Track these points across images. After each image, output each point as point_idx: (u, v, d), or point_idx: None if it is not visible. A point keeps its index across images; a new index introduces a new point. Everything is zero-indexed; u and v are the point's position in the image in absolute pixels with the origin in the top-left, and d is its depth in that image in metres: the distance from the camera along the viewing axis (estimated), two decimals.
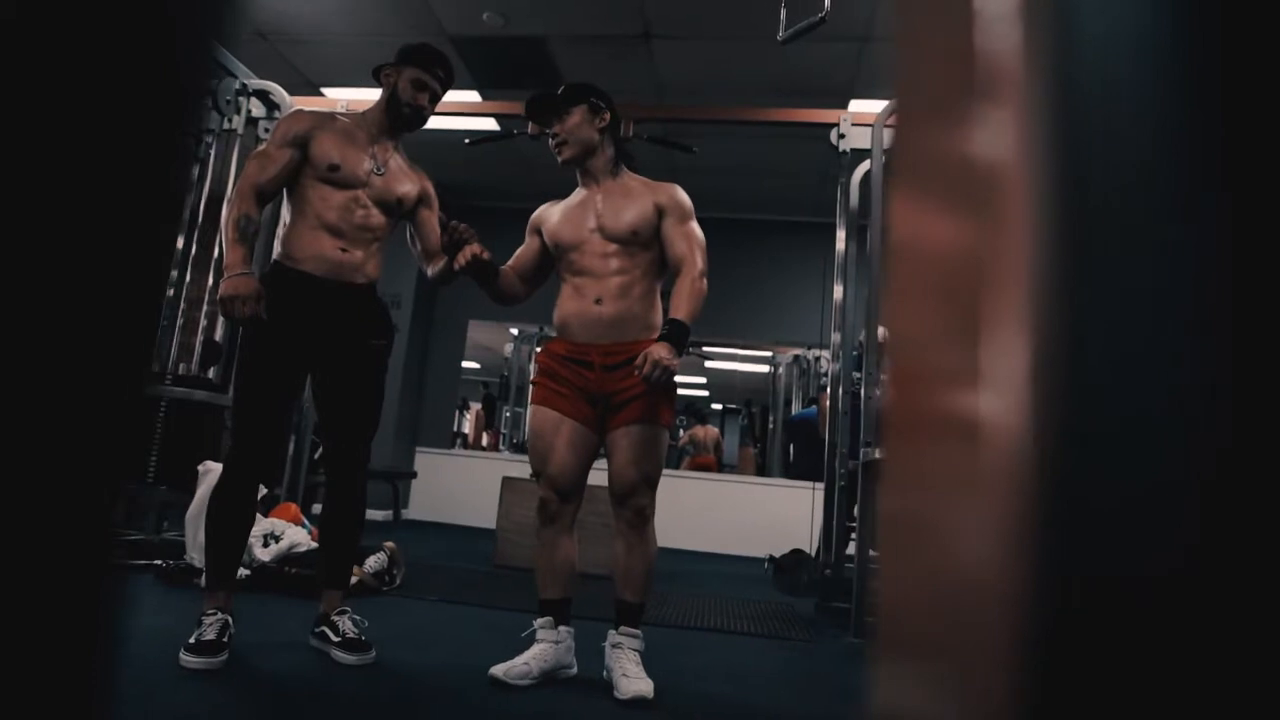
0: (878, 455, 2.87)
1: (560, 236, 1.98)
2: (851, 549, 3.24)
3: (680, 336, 1.80)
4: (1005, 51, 0.21)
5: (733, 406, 11.38)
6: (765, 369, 8.79)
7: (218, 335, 3.53)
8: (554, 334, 2.06)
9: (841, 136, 3.61)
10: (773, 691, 2.07)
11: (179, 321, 3.53)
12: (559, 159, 2.02)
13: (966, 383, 0.20)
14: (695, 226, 1.96)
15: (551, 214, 2.04)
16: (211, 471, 2.80)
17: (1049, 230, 0.18)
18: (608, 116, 2.01)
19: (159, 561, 2.80)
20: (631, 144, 2.14)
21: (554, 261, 2.05)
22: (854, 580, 2.87)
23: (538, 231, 2.07)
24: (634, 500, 1.87)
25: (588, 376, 1.91)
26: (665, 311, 1.91)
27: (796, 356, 7.64)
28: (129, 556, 2.94)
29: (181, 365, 3.49)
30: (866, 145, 3.46)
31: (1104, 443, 0.18)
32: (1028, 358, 0.18)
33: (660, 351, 1.74)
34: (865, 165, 3.60)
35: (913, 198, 0.25)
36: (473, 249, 1.85)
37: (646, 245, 1.94)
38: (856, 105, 4.68)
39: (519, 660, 1.84)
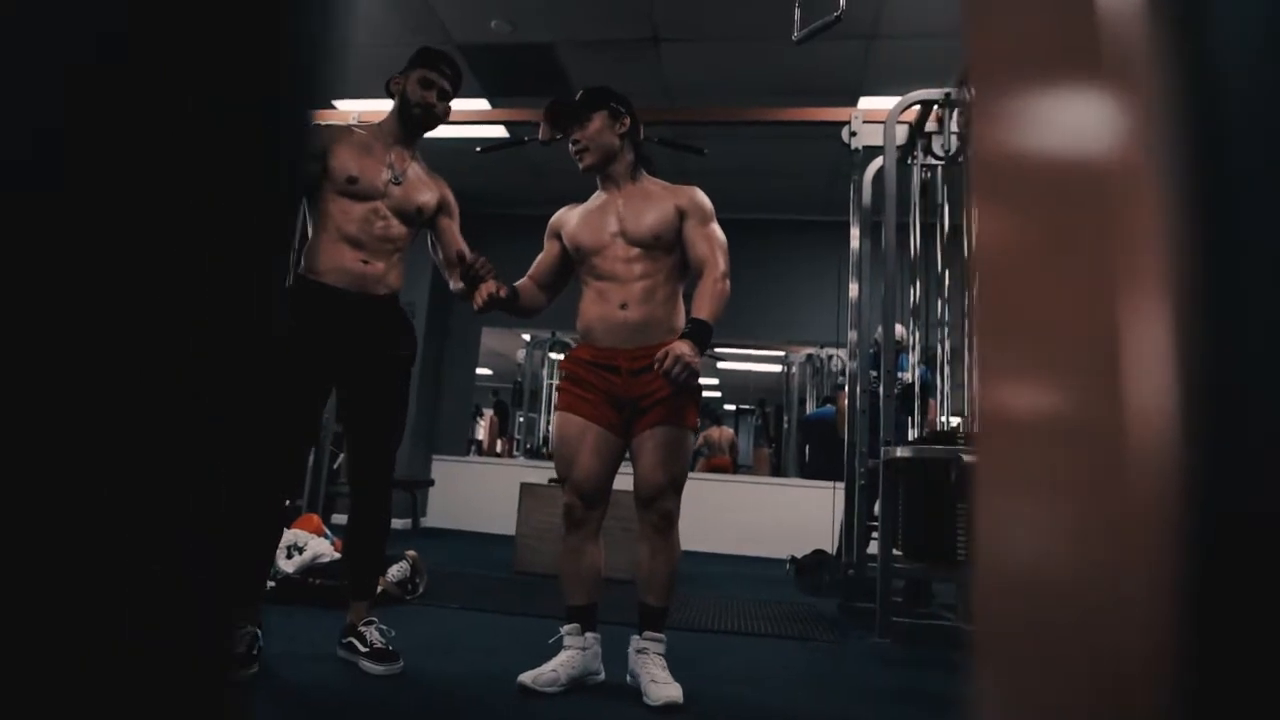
0: (899, 454, 2.85)
1: (580, 240, 1.97)
2: (873, 548, 3.23)
3: (703, 335, 1.78)
4: (1123, 31, 0.20)
5: (746, 407, 11.35)
6: (778, 369, 8.76)
7: None
8: (564, 338, 2.08)
9: (853, 134, 3.60)
10: (800, 694, 2.06)
11: None
12: (580, 166, 2.01)
13: (1095, 383, 0.19)
14: (716, 228, 1.96)
15: (570, 218, 2.04)
16: None
17: (1188, 225, 0.18)
18: (628, 121, 2.00)
19: None
20: (645, 147, 2.14)
21: (574, 265, 2.04)
22: (877, 580, 2.85)
23: (557, 236, 2.06)
24: (660, 504, 1.87)
25: (614, 381, 1.90)
26: (688, 314, 1.90)
27: (809, 356, 7.61)
28: None
29: None
30: (878, 142, 3.44)
31: (1253, 440, 0.17)
32: (1169, 355, 0.17)
33: (682, 348, 1.72)
34: (878, 162, 3.58)
35: (1009, 194, 0.25)
36: (488, 288, 1.87)
37: (669, 249, 1.94)
38: (866, 102, 4.67)
39: (547, 667, 1.84)
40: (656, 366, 1.73)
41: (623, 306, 1.91)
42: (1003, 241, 0.25)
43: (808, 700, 2.00)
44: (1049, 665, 0.22)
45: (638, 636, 1.91)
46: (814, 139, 4.99)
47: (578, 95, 2.02)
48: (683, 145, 3.69)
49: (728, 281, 1.88)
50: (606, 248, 1.94)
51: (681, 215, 1.93)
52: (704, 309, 1.82)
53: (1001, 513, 0.22)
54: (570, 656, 1.87)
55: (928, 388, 3.56)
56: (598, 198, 2.04)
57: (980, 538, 0.24)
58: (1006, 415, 0.23)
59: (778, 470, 7.77)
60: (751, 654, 2.49)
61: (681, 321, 1.94)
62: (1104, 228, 0.20)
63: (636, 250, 1.92)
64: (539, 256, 2.11)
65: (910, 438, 3.51)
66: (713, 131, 4.93)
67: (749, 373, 10.18)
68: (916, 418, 3.63)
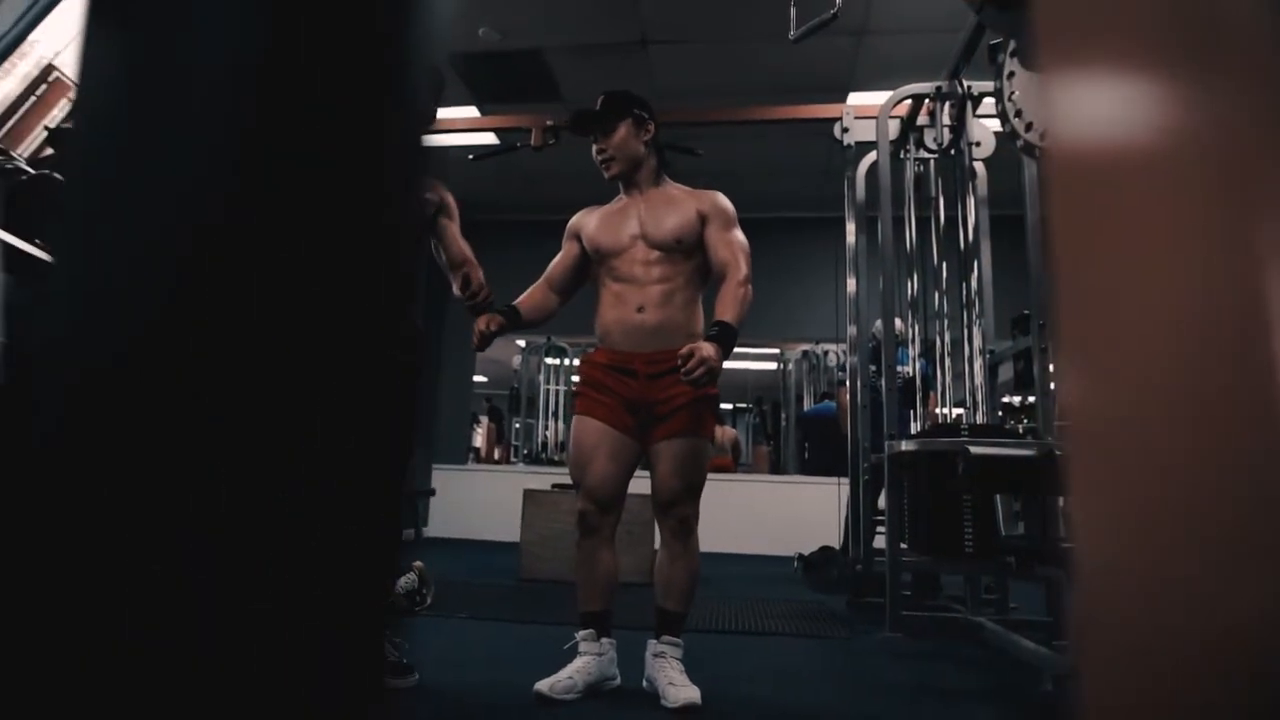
0: (903, 448, 2.85)
1: (600, 242, 1.97)
2: (879, 542, 3.23)
3: (728, 338, 1.78)
4: None
5: (743, 405, 11.35)
6: (773, 366, 8.76)
7: None
8: (560, 343, 2.08)
9: (845, 130, 3.61)
10: (815, 691, 2.05)
11: None
12: (606, 175, 2.01)
13: (1235, 375, 0.19)
14: (739, 233, 1.95)
15: (590, 220, 2.03)
16: None
17: None
18: (652, 127, 2.00)
19: None
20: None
21: (592, 267, 2.03)
22: (886, 575, 2.85)
23: (576, 237, 2.05)
24: (678, 509, 1.86)
25: (631, 385, 1.90)
26: (707, 319, 1.89)
27: (805, 352, 7.61)
28: None
29: None
30: (870, 138, 3.45)
31: None
32: None
33: (708, 350, 1.70)
34: (871, 157, 3.59)
35: (1101, 183, 0.24)
36: (480, 326, 1.88)
37: (689, 253, 1.93)
38: (855, 98, 4.68)
39: (563, 674, 1.83)
40: (680, 363, 1.71)
41: (640, 310, 1.90)
42: (1102, 231, 0.24)
43: (823, 697, 1.99)
44: (1179, 672, 0.21)
45: (655, 641, 1.90)
46: (805, 136, 5.00)
47: (599, 101, 2.01)
48: (677, 147, 3.68)
49: (750, 286, 1.88)
50: (626, 250, 1.93)
51: (703, 219, 1.93)
52: (728, 312, 1.81)
53: (1118, 513, 0.22)
54: (586, 663, 1.86)
55: (928, 381, 3.56)
56: (618, 201, 2.04)
57: (1088, 538, 0.24)
58: (1129, 407, 0.23)
59: (777, 467, 7.76)
60: (764, 653, 2.49)
61: (700, 326, 1.93)
62: (1235, 211, 0.19)
63: (657, 253, 1.92)
64: (556, 258, 2.09)
65: (913, 431, 3.52)
66: (703, 132, 4.93)
67: (745, 371, 10.18)
68: (919, 410, 3.63)
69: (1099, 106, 0.26)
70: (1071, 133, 0.28)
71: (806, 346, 7.51)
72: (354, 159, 0.28)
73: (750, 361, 9.59)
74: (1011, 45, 1.72)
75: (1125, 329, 0.24)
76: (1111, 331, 0.25)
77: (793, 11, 2.59)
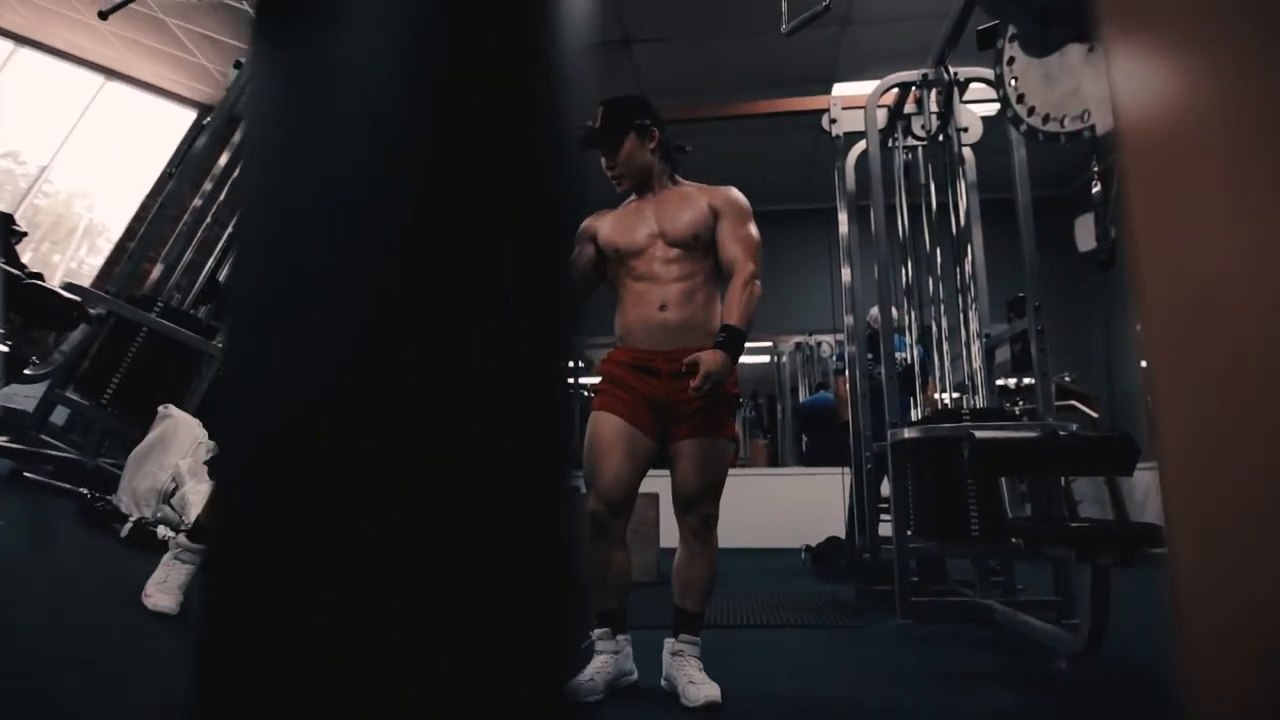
0: (906, 435, 2.86)
1: (617, 244, 1.96)
2: (884, 530, 3.24)
3: (735, 343, 1.78)
4: None
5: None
6: (767, 359, 8.77)
7: (221, 276, 3.68)
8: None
9: (833, 121, 3.62)
10: (833, 681, 2.06)
11: (187, 259, 3.69)
12: (618, 189, 2.03)
13: None
14: (752, 228, 1.94)
15: (603, 224, 2.02)
16: (170, 418, 2.73)
17: None
18: (656, 133, 2.00)
19: (84, 490, 2.68)
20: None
21: (608, 269, 2.02)
22: (894, 562, 2.86)
23: (591, 240, 2.04)
24: (699, 508, 1.86)
25: (653, 384, 1.89)
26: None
27: (798, 344, 7.62)
28: (57, 475, 2.87)
29: (175, 297, 3.59)
30: (857, 128, 3.46)
31: None
32: None
33: (712, 366, 1.71)
34: (859, 146, 3.60)
35: (1182, 166, 0.24)
36: None
37: (707, 250, 1.94)
38: (840, 89, 4.69)
39: (584, 675, 1.82)
40: (686, 367, 1.72)
41: (662, 308, 1.91)
42: (1184, 214, 0.24)
43: (841, 687, 2.00)
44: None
45: (673, 639, 1.90)
46: (789, 129, 5.01)
47: (599, 113, 1.99)
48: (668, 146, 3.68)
49: (758, 282, 1.87)
50: (646, 249, 1.93)
51: (716, 214, 1.93)
52: (734, 314, 1.81)
53: (1216, 509, 0.22)
54: (604, 661, 1.86)
55: (926, 367, 3.58)
56: (630, 203, 2.04)
57: (1185, 534, 0.24)
58: (1227, 404, 0.23)
59: (775, 460, 7.77)
60: (779, 646, 2.49)
61: (719, 324, 1.93)
62: None
63: (676, 251, 1.92)
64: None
65: (913, 417, 3.53)
66: (688, 128, 4.93)
67: (739, 365, 10.20)
68: (918, 397, 3.65)
69: (1183, 86, 0.26)
70: (1149, 114, 0.28)
71: (800, 338, 7.52)
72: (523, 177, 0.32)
73: (744, 355, 9.58)
74: (1010, 30, 1.72)
75: (1215, 315, 0.24)
76: (1200, 319, 0.25)
77: (784, 5, 2.59)
